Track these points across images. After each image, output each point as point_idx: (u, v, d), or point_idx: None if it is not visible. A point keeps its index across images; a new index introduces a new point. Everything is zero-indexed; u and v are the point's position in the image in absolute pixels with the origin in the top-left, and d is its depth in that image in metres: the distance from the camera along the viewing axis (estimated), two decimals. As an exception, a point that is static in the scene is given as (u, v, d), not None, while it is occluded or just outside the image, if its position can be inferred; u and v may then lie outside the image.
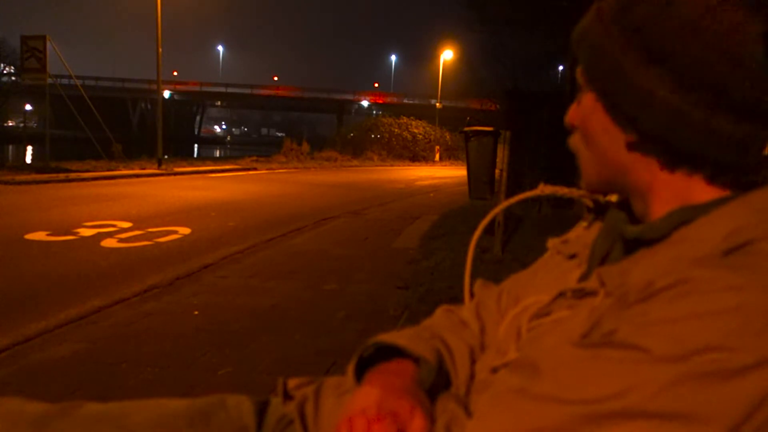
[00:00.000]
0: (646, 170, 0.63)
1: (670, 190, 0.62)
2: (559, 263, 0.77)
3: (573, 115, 0.69)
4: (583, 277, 0.69)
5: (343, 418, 0.63)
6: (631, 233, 0.63)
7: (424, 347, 0.74)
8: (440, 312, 0.89)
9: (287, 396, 0.81)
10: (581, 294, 0.64)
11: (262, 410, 0.80)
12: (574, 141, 0.70)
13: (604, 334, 0.53)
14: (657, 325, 0.49)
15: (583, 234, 0.77)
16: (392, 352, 0.74)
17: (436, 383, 0.72)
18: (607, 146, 0.65)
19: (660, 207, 0.62)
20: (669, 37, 0.58)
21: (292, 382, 0.81)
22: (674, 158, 0.61)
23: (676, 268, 0.52)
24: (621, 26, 0.60)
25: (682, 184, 0.61)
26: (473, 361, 0.76)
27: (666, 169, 0.62)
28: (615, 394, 0.48)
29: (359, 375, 0.75)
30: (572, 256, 0.75)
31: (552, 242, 0.81)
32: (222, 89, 70.72)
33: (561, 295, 0.67)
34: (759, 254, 0.51)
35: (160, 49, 14.84)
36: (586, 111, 0.66)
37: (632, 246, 0.63)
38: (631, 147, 0.63)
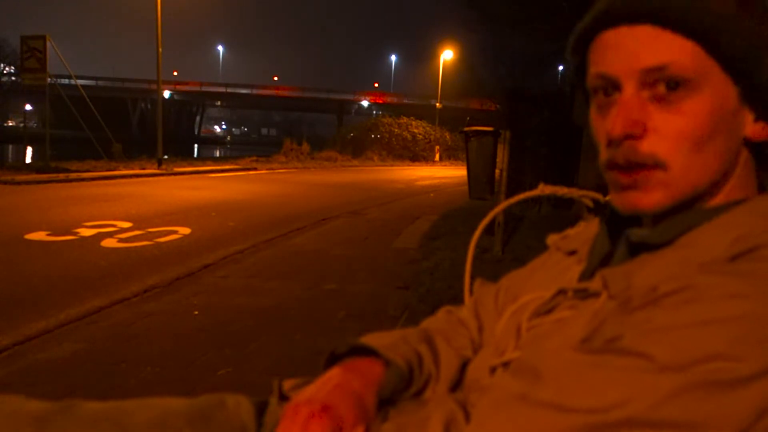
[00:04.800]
0: (746, 172, 0.61)
1: (742, 191, 0.61)
2: (558, 260, 0.76)
3: (641, 116, 0.58)
4: (584, 275, 0.68)
5: (292, 403, 0.65)
6: (636, 237, 0.62)
7: (398, 351, 0.73)
8: (441, 313, 0.89)
9: (283, 397, 0.81)
10: (584, 295, 0.63)
11: (261, 410, 0.79)
12: (648, 149, 0.58)
13: (608, 340, 0.52)
14: (661, 332, 0.49)
15: (584, 230, 0.76)
16: (370, 350, 0.74)
17: (406, 386, 0.72)
18: (725, 145, 0.59)
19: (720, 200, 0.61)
20: None
21: (287, 384, 0.80)
22: None
23: (680, 274, 0.52)
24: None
25: (753, 187, 0.62)
26: (463, 363, 0.76)
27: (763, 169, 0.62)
28: (619, 403, 0.47)
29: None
30: (572, 253, 0.74)
31: (552, 238, 0.80)
32: (222, 89, 70.68)
33: (561, 292, 0.66)
34: (765, 261, 0.50)
35: (160, 49, 14.83)
36: (698, 106, 0.57)
37: (637, 248, 0.62)
38: (751, 141, 0.60)
